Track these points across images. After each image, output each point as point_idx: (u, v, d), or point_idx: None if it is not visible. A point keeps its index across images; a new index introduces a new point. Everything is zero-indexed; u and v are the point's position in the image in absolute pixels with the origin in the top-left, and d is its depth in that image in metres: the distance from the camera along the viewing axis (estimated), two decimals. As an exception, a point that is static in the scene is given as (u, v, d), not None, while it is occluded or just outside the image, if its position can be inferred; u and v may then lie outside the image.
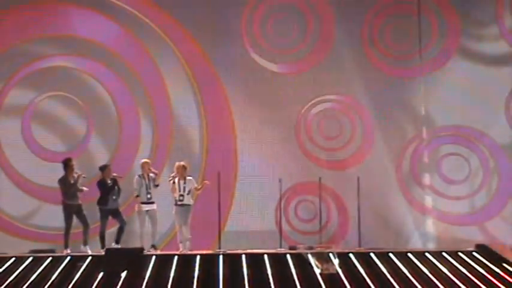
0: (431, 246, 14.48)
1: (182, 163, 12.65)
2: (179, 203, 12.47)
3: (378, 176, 14.76)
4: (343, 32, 15.10)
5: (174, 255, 11.39)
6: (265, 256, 11.25)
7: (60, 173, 12.38)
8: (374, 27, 15.19)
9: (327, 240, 14.00)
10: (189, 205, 12.53)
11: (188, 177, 12.57)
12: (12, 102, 14.64)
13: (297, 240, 13.54)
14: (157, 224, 12.65)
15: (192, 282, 10.34)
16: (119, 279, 10.41)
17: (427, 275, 10.83)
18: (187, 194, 12.48)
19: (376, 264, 11.15)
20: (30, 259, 11.28)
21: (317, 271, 10.75)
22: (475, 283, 10.61)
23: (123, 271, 10.61)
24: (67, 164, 12.54)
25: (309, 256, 11.19)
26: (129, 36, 14.86)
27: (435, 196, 14.96)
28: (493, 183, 15.00)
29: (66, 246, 12.20)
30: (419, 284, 10.49)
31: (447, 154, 15.02)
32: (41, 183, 14.44)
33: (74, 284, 10.38)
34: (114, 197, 12.52)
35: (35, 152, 14.56)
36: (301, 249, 12.21)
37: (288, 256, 11.32)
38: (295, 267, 10.86)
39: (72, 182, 12.36)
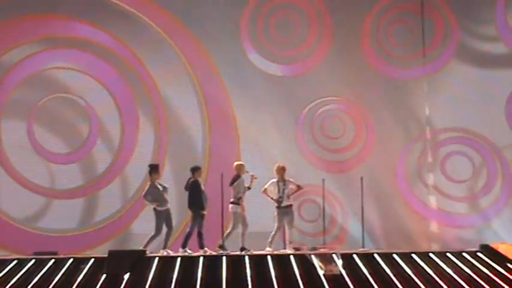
0: (436, 246, 14.46)
1: (281, 164, 12.74)
2: (281, 205, 12.54)
3: (382, 176, 14.80)
4: (345, 33, 15.12)
5: (177, 257, 11.41)
6: (269, 257, 11.25)
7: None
8: (377, 27, 15.22)
9: (331, 241, 14.02)
10: (291, 205, 12.63)
11: (289, 179, 12.67)
12: (14, 103, 14.67)
13: (300, 242, 13.49)
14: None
15: (195, 285, 10.33)
16: (122, 282, 10.42)
17: (431, 275, 10.81)
18: (287, 196, 12.57)
19: (380, 265, 11.15)
20: (32, 261, 11.30)
21: (321, 272, 10.73)
22: (480, 284, 10.60)
23: (125, 273, 10.61)
24: (157, 170, 12.47)
25: (313, 257, 11.18)
26: (131, 36, 14.89)
27: (439, 196, 14.96)
28: (497, 183, 14.99)
29: (146, 245, 12.10)
30: (423, 285, 10.47)
31: (451, 154, 15.04)
32: (44, 185, 14.49)
33: (76, 287, 10.40)
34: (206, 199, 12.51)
35: (37, 153, 14.58)
36: (304, 251, 12.22)
37: (292, 257, 11.31)
38: (298, 269, 10.86)
39: (161, 188, 12.30)
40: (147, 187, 12.41)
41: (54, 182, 14.53)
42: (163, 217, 12.27)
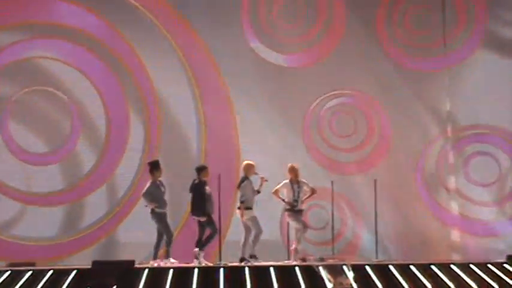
0: (458, 257, 14.55)
1: (295, 164, 12.76)
2: (295, 209, 12.58)
3: (398, 179, 14.82)
4: (357, 19, 15.13)
5: (168, 268, 11.33)
6: (272, 269, 11.18)
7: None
8: (392, 12, 15.22)
9: (341, 251, 14.00)
10: (302, 210, 12.73)
11: (302, 180, 12.73)
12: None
13: (307, 251, 13.41)
14: None
15: (189, 299, 10.38)
16: (107, 296, 10.43)
17: (452, 290, 10.81)
18: (302, 199, 12.68)
19: (396, 278, 11.07)
20: (7, 273, 11.20)
21: (329, 286, 10.67)
22: (507, 299, 10.72)
23: (112, 286, 10.51)
24: (158, 166, 12.39)
25: (321, 269, 11.13)
26: (119, 24, 14.87)
27: (462, 201, 15.02)
28: (526, 185, 15.16)
29: (168, 256, 12.13)
30: (444, 299, 10.60)
31: (474, 154, 15.08)
32: (20, 188, 14.45)
33: (56, 301, 10.46)
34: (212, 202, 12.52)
35: (12, 153, 14.52)
36: (311, 262, 12.22)
37: (297, 269, 11.25)
38: (305, 282, 10.76)
39: (163, 188, 12.30)
40: (147, 185, 12.34)
41: (32, 185, 14.47)
42: (165, 219, 12.21)
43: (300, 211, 12.68)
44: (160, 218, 12.20)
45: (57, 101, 14.65)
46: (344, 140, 15.02)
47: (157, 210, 12.18)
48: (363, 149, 15.03)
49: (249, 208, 12.41)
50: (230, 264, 11.93)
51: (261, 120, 14.83)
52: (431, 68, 15.19)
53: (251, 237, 12.40)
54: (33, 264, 12.25)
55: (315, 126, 15.04)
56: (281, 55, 15.04)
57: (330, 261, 12.14)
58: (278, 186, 12.67)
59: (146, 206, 12.24)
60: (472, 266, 11.58)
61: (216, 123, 14.84)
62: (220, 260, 12.51)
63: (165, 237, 12.18)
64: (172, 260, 12.02)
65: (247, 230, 12.46)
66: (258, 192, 12.50)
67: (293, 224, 12.73)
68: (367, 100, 15.09)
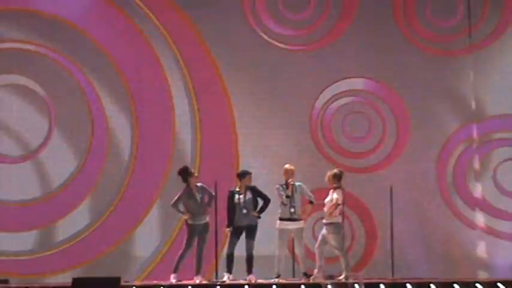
0: (484, 274, 14.47)
1: (335, 170, 12.79)
2: (330, 220, 12.55)
3: (416, 185, 14.77)
4: (371, 2, 15.10)
5: (159, 286, 11.68)
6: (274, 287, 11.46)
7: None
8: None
9: (352, 267, 13.74)
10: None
11: (338, 189, 12.64)
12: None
13: (313, 268, 13.34)
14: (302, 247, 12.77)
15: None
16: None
17: (478, 311, 10.90)
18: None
19: (415, 298, 11.13)
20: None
21: (339, 306, 10.71)
22: (538, 320, 10.78)
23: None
24: (189, 172, 12.57)
25: (329, 287, 11.03)
26: (102, 10, 14.92)
27: (488, 212, 14.90)
28: None
29: (175, 270, 12.32)
30: (468, 322, 10.63)
31: (505, 158, 14.97)
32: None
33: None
34: (244, 211, 12.53)
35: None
36: (319, 279, 12.23)
37: (303, 287, 11.46)
38: (311, 302, 10.80)
39: (198, 197, 12.44)
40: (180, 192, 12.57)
41: (3, 191, 14.47)
42: (190, 232, 12.43)
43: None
44: (187, 229, 12.45)
45: (32, 97, 14.67)
46: (357, 141, 14.95)
47: (190, 221, 12.43)
48: (376, 152, 14.94)
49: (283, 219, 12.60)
50: (228, 282, 12.07)
51: (262, 119, 14.80)
52: (453, 53, 15.07)
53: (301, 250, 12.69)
54: (6, 282, 12.40)
55: (322, 124, 14.99)
56: (286, 46, 14.98)
57: (340, 279, 12.17)
58: (341, 196, 12.59)
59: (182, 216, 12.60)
60: (499, 284, 11.80)
61: (213, 121, 14.77)
62: (216, 277, 12.69)
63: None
64: (172, 276, 12.23)
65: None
66: (311, 202, 12.68)
67: (332, 238, 12.58)
68: (382, 93, 15.02)
